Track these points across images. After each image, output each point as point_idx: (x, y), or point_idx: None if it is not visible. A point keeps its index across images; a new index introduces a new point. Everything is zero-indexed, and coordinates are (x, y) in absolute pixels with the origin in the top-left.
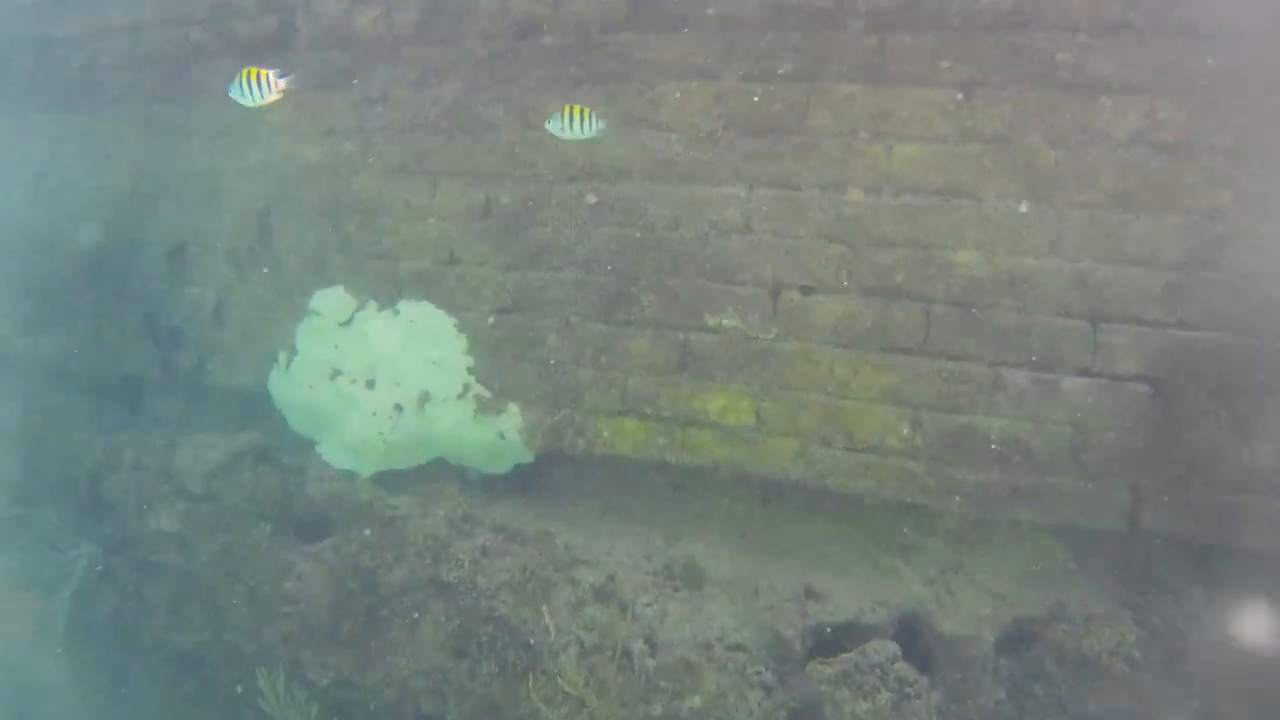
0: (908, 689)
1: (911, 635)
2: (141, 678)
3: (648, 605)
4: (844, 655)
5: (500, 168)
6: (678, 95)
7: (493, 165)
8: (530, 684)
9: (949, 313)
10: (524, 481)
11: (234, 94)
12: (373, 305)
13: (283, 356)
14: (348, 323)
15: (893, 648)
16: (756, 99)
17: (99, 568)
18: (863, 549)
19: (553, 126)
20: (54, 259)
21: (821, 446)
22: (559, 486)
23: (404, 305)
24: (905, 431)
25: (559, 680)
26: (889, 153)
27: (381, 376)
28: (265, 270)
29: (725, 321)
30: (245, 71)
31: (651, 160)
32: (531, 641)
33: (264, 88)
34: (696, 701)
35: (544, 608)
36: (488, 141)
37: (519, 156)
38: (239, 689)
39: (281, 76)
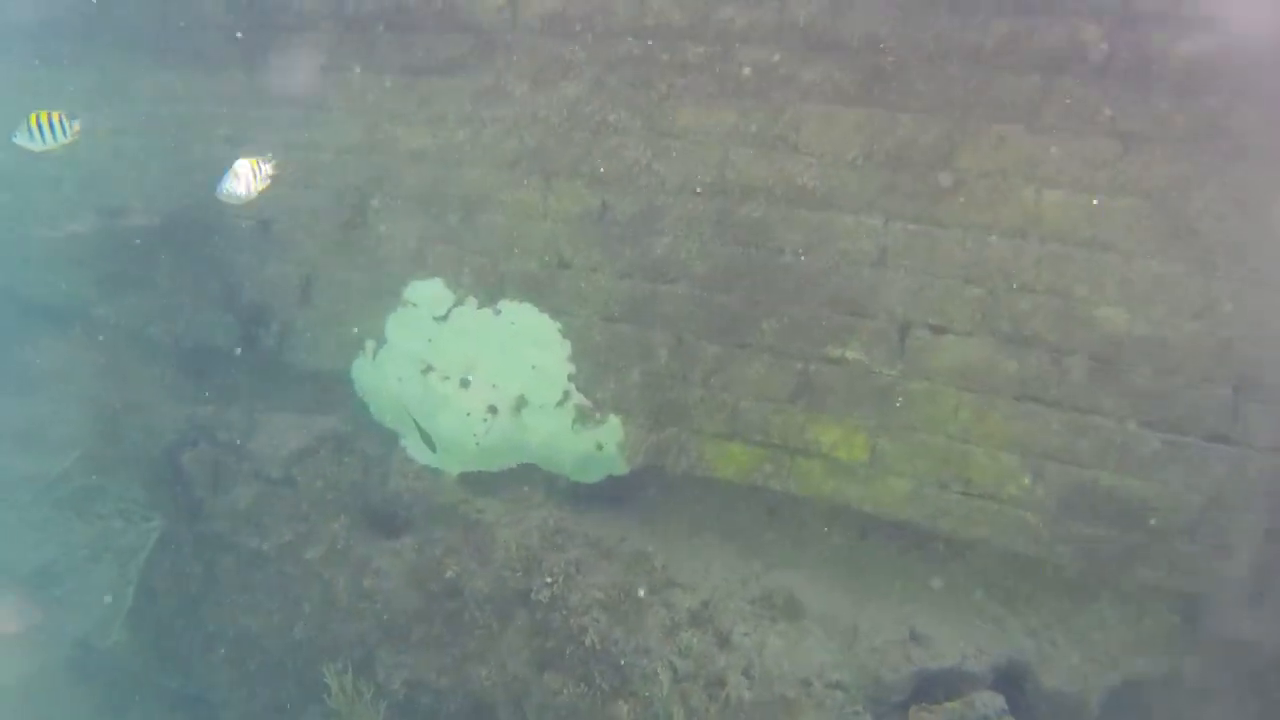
0: None
1: (1012, 686)
2: (200, 652)
3: (745, 635)
4: (949, 705)
5: (622, 173)
6: (820, 118)
7: (614, 170)
8: (621, 706)
9: (1085, 366)
10: (613, 493)
11: (21, 140)
12: (472, 302)
13: (370, 345)
14: (444, 318)
15: (999, 701)
16: (903, 130)
17: (169, 542)
18: (964, 593)
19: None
20: (137, 222)
21: (937, 489)
22: (649, 501)
23: (506, 305)
24: (1026, 481)
25: (653, 705)
26: (1038, 198)
27: (477, 376)
28: (358, 255)
29: (848, 354)
30: (34, 116)
31: (786, 183)
32: (622, 663)
33: (56, 132)
34: None
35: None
36: (610, 144)
37: (643, 164)
38: (305, 678)
39: (74, 119)
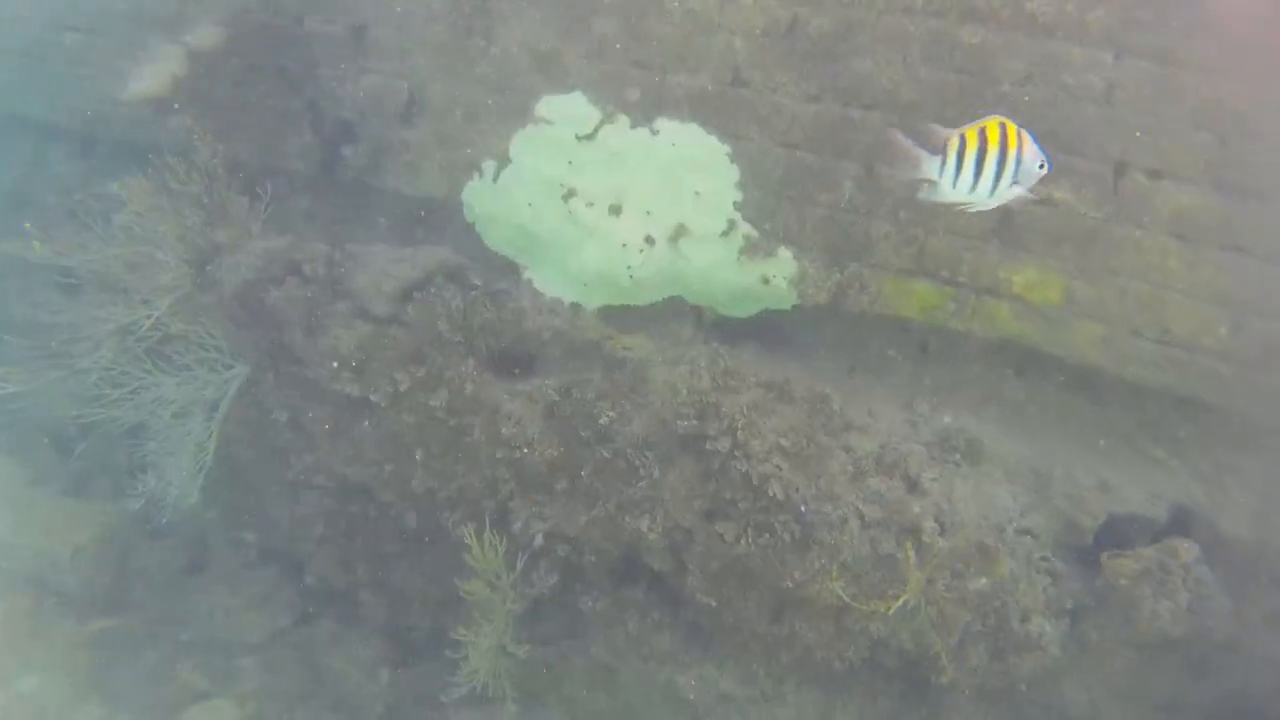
0: (1204, 591)
1: (1182, 530)
2: (284, 505)
3: (933, 480)
4: (1144, 551)
5: None
6: None
7: None
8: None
9: None
10: (761, 328)
11: None
12: (623, 120)
13: (489, 166)
14: (590, 137)
15: (1195, 549)
16: None
17: (250, 391)
18: (1136, 439)
19: None
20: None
21: (1129, 336)
22: (799, 336)
23: (664, 124)
24: (1223, 332)
25: (841, 553)
26: None
27: (629, 203)
28: (478, 65)
29: (1056, 193)
30: None
31: (1013, 6)
32: (804, 510)
33: None
34: (983, 583)
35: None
36: None
37: None
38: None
39: None
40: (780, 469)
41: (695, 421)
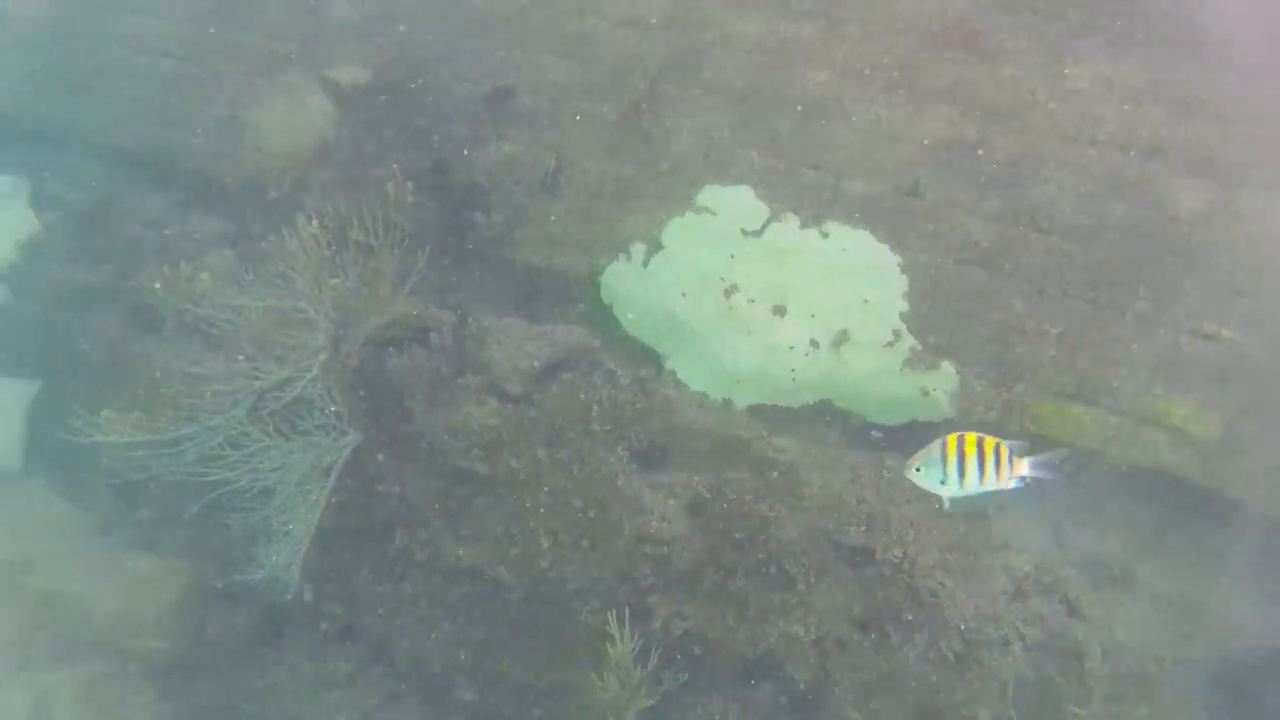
0: None
1: None
2: (378, 581)
3: (1092, 605)
4: None
5: (1008, 106)
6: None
7: (1000, 101)
8: (970, 675)
9: None
10: (905, 437)
11: None
12: (792, 219)
13: (638, 249)
14: (757, 233)
15: None
16: None
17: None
18: None
19: None
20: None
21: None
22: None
23: (835, 228)
24: None
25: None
26: None
27: (794, 304)
28: (635, 145)
29: (1224, 332)
30: None
31: (1199, 145)
32: (963, 628)
33: None
34: (1143, 714)
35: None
36: (1002, 73)
37: (1037, 100)
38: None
39: None
40: (943, 585)
41: (864, 532)
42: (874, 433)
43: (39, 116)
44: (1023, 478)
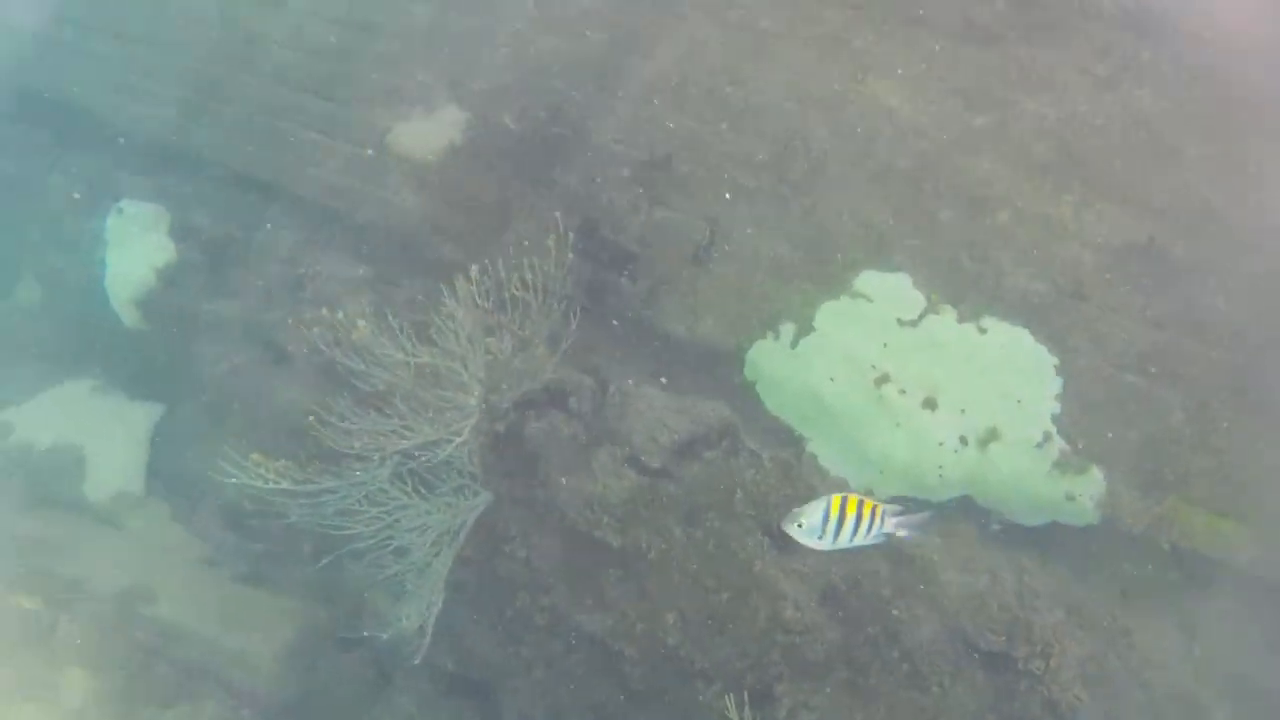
0: None
1: None
2: (495, 639)
3: None
4: None
5: (1185, 211)
6: None
7: (1175, 205)
8: None
9: None
10: (1040, 537)
11: None
12: (949, 312)
13: (787, 329)
14: (913, 323)
15: None
16: None
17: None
18: None
19: None
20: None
21: None
22: (1075, 550)
23: (993, 324)
24: None
25: None
26: None
27: (945, 398)
28: (793, 223)
29: None
30: None
31: None
32: None
33: None
34: None
35: None
36: (1179, 178)
37: (1215, 208)
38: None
39: None
40: (1080, 699)
41: (1003, 639)
42: (993, 525)
43: (184, 145)
44: (887, 534)
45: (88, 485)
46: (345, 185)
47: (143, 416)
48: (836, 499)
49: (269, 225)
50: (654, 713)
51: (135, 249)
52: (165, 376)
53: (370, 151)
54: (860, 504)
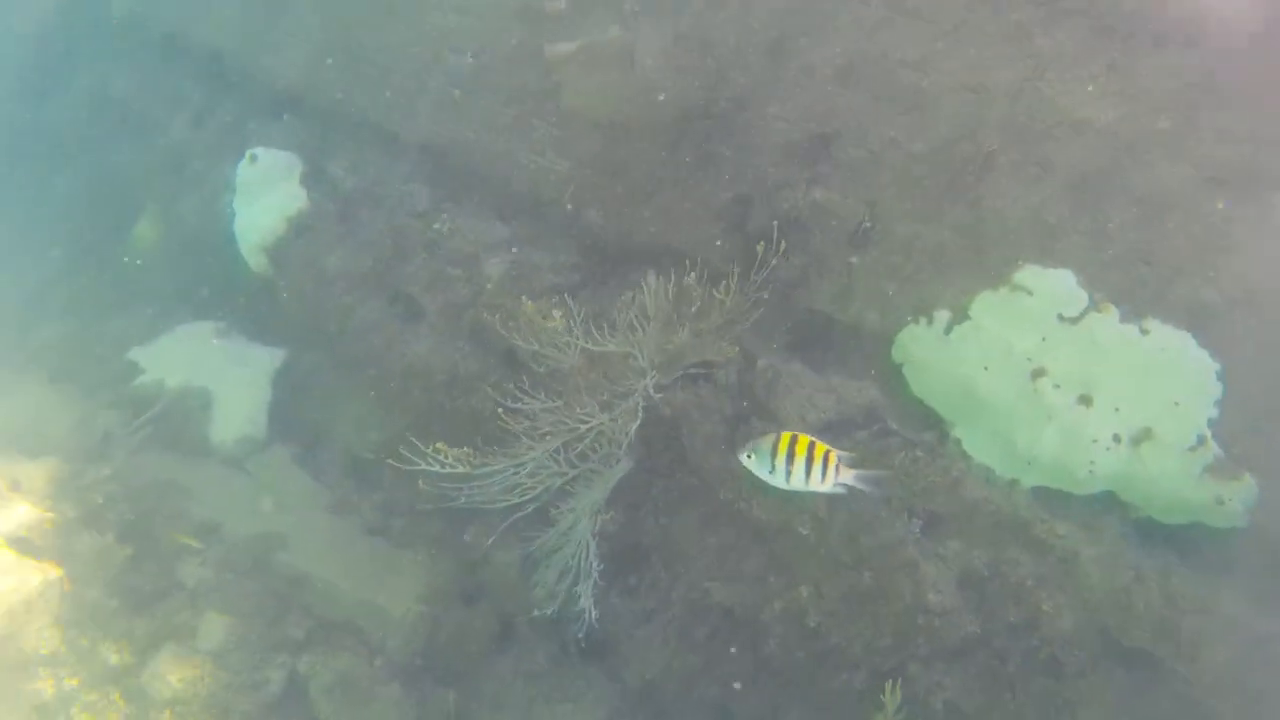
0: None
1: None
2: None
3: None
4: None
5: None
6: None
7: None
8: None
9: None
10: (1178, 537)
11: None
12: (1111, 311)
13: (941, 316)
14: (1074, 320)
15: None
16: None
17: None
18: None
19: None
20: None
21: None
22: (1214, 552)
23: (1156, 327)
24: None
25: None
26: None
27: (1101, 395)
28: (958, 214)
29: None
30: None
31: None
32: None
33: None
34: None
35: None
36: None
37: None
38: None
39: None
40: (1221, 705)
41: (1149, 638)
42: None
43: (326, 98)
44: (845, 484)
45: (214, 428)
46: (490, 147)
47: (265, 361)
48: (786, 435)
49: (405, 178)
50: (786, 689)
51: (267, 196)
52: (289, 324)
53: (517, 120)
54: (812, 445)
